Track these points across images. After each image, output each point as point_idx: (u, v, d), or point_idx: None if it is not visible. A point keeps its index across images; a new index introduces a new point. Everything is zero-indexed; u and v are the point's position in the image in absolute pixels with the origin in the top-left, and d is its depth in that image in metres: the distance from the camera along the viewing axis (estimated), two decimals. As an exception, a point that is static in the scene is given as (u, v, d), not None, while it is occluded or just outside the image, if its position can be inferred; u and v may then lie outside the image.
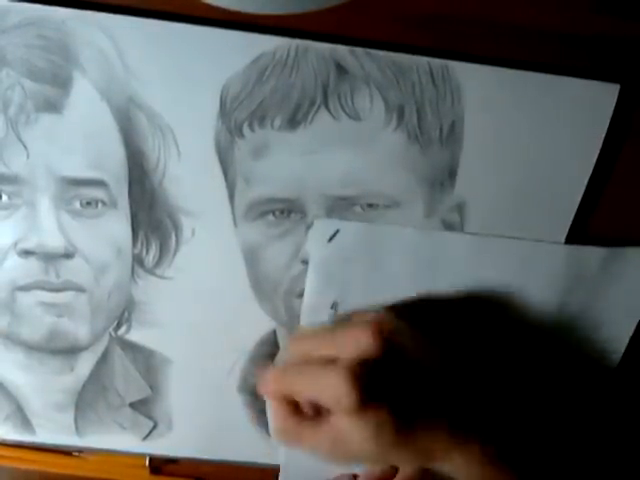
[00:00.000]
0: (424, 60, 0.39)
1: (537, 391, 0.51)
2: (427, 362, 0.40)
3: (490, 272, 0.46)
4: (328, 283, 0.45)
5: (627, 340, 0.49)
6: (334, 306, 0.46)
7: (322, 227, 0.44)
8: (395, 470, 0.45)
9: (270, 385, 0.41)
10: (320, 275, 0.45)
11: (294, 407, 0.40)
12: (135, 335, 0.48)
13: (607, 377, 0.50)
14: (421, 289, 0.46)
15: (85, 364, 0.49)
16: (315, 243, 0.44)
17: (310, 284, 0.45)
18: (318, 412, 0.40)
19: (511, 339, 0.49)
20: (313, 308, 0.46)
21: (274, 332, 0.48)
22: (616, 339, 0.49)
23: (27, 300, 0.46)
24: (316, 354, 0.40)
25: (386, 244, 0.44)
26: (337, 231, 0.44)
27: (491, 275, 0.46)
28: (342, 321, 0.44)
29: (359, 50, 0.39)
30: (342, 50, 0.39)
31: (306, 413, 0.41)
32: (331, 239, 0.44)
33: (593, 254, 0.45)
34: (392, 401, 0.38)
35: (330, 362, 0.38)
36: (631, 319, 0.48)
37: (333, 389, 0.37)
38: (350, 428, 0.38)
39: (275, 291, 0.46)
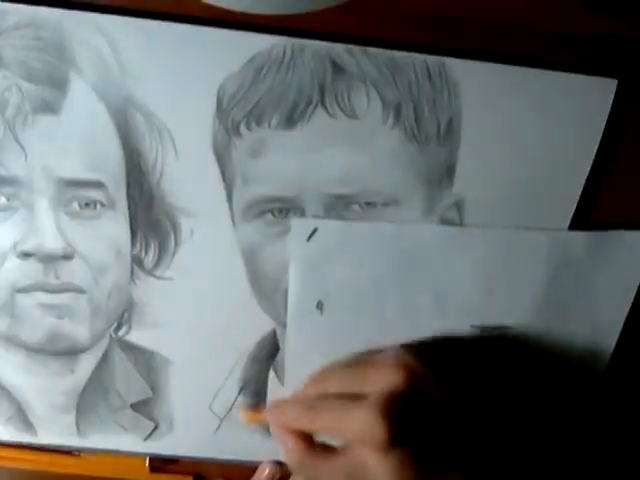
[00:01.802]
0: (421, 57, 0.39)
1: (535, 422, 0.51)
2: (445, 402, 0.40)
3: (473, 262, 0.45)
4: (311, 283, 0.45)
5: (621, 325, 0.48)
6: (319, 306, 0.46)
7: (300, 226, 0.44)
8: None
9: (287, 420, 0.41)
10: (302, 275, 0.45)
11: (308, 440, 0.41)
12: (135, 336, 0.48)
13: (600, 371, 0.50)
14: (403, 283, 0.46)
15: (86, 365, 0.49)
16: (294, 243, 0.44)
17: (293, 285, 0.45)
18: (327, 445, 0.41)
19: (516, 372, 0.49)
20: (298, 309, 0.46)
21: (274, 332, 0.48)
22: (609, 324, 0.48)
23: (27, 302, 0.46)
24: (336, 391, 0.40)
25: (366, 240, 0.44)
26: (315, 229, 0.44)
27: (474, 265, 0.45)
28: (358, 360, 0.44)
29: (355, 48, 0.39)
30: (338, 48, 0.39)
31: (318, 446, 0.41)
32: (310, 238, 0.43)
33: (577, 238, 0.45)
34: (416, 442, 0.38)
35: (356, 398, 0.38)
36: (622, 303, 0.47)
37: (363, 424, 0.37)
38: (372, 464, 0.38)
39: (275, 290, 0.46)
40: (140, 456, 0.53)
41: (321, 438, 0.42)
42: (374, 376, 0.39)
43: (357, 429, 0.38)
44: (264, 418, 0.46)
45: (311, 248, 0.44)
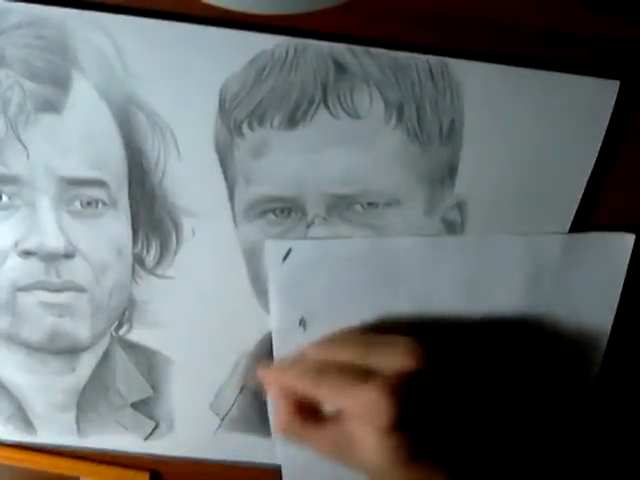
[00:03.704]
0: (423, 58, 0.39)
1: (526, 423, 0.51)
2: (446, 392, 0.41)
3: (448, 271, 0.45)
4: (292, 301, 0.46)
5: (609, 329, 0.48)
6: (302, 323, 0.46)
7: (274, 248, 0.44)
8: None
9: (288, 380, 0.41)
10: (282, 294, 0.45)
11: (299, 404, 0.41)
12: (136, 335, 0.48)
13: (593, 373, 0.50)
14: (383, 295, 0.46)
15: (86, 364, 0.49)
16: (270, 264, 0.44)
17: (274, 305, 0.46)
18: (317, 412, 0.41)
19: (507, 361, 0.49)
20: (282, 327, 0.46)
21: (275, 332, 0.48)
22: (597, 328, 0.48)
23: (28, 300, 0.46)
24: (345, 361, 0.40)
25: (340, 257, 0.44)
26: (290, 250, 0.44)
27: (450, 275, 0.45)
28: (371, 335, 0.44)
29: (358, 48, 0.39)
30: (341, 48, 0.39)
31: (309, 413, 0.41)
32: (285, 258, 0.44)
33: (552, 242, 0.45)
34: (414, 427, 0.39)
35: (366, 374, 0.39)
36: (607, 305, 0.47)
37: (370, 402, 0.38)
38: (369, 441, 0.38)
39: (276, 290, 0.46)
40: (139, 457, 0.53)
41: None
42: (387, 356, 0.40)
43: (363, 406, 0.38)
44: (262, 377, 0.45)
45: (288, 268, 0.45)
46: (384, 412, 0.37)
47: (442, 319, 0.47)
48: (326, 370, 0.40)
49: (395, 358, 0.39)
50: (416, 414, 0.39)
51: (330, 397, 0.40)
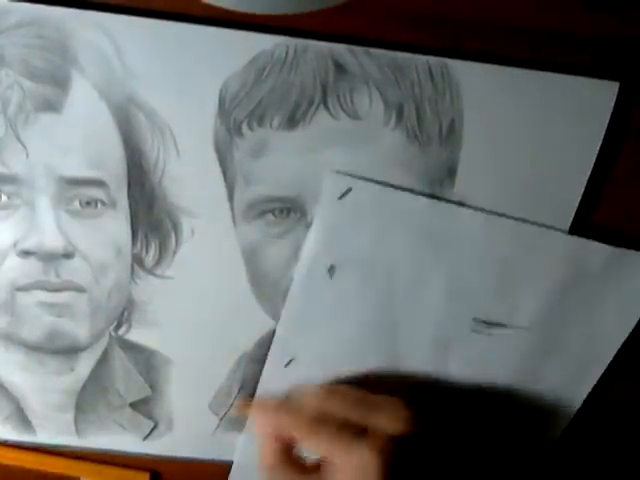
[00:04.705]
0: (423, 59, 0.39)
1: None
2: (432, 450, 0.44)
3: (493, 251, 0.45)
4: (329, 244, 0.44)
5: (619, 344, 0.48)
6: (331, 269, 0.45)
7: (334, 182, 0.42)
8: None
9: (281, 425, 0.43)
10: (322, 235, 0.44)
11: (288, 450, 0.43)
12: (135, 335, 0.48)
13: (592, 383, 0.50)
14: (422, 260, 0.45)
15: (85, 364, 0.49)
16: (324, 199, 0.43)
17: (309, 244, 0.44)
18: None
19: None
20: (309, 271, 0.45)
21: (274, 332, 0.48)
22: (607, 342, 0.49)
23: (27, 300, 0.46)
24: (340, 416, 0.42)
25: (396, 210, 0.43)
26: (349, 189, 0.42)
27: (494, 254, 0.45)
28: (364, 393, 0.45)
29: (358, 49, 0.39)
30: (341, 49, 0.39)
31: (295, 458, 0.44)
32: (342, 197, 0.42)
33: (597, 250, 0.45)
34: None
35: (358, 432, 0.41)
36: (625, 324, 0.48)
37: (361, 461, 0.40)
38: None
39: (275, 290, 0.46)
40: (139, 457, 0.53)
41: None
42: (381, 419, 0.42)
43: (354, 463, 0.40)
44: (253, 412, 0.47)
45: (340, 208, 0.43)
46: (372, 471, 0.39)
47: (435, 381, 0.49)
48: (324, 422, 0.42)
49: (388, 421, 0.42)
50: (401, 474, 0.41)
51: (324, 449, 0.42)
